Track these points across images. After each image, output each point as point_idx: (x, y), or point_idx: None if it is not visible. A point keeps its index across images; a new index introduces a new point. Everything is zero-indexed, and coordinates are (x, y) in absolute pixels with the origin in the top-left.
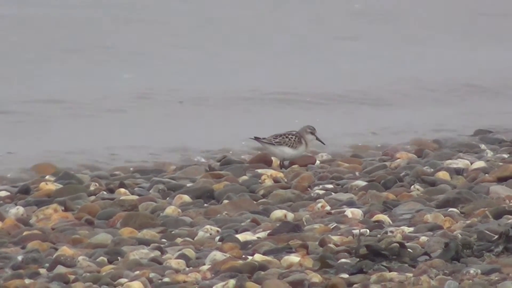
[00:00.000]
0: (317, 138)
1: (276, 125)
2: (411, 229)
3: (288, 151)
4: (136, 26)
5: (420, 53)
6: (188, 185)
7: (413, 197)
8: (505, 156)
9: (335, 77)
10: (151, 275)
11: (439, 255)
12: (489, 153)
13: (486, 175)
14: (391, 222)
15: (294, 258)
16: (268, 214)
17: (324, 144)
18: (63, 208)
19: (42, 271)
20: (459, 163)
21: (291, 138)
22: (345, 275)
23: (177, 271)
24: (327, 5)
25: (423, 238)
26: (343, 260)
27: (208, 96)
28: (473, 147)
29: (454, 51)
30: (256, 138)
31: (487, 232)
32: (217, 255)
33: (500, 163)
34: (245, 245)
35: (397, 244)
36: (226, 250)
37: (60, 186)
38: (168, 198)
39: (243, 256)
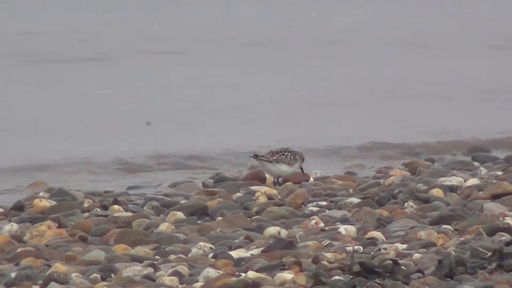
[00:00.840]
0: (301, 167)
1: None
2: (405, 246)
3: (284, 169)
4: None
5: None
6: (182, 202)
7: (406, 214)
8: (499, 173)
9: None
10: None
11: (433, 272)
12: (483, 171)
13: (480, 192)
14: (384, 239)
15: (287, 275)
16: (262, 231)
17: (303, 173)
18: (57, 225)
19: None
20: (453, 180)
21: (287, 155)
22: None
23: None
24: None
25: (416, 255)
26: (336, 277)
27: None
28: (467, 165)
29: None
30: (255, 156)
31: (481, 249)
32: (211, 272)
33: (494, 181)
34: (238, 262)
35: (391, 261)
36: (220, 267)
37: (54, 203)
38: (162, 215)
39: (237, 273)
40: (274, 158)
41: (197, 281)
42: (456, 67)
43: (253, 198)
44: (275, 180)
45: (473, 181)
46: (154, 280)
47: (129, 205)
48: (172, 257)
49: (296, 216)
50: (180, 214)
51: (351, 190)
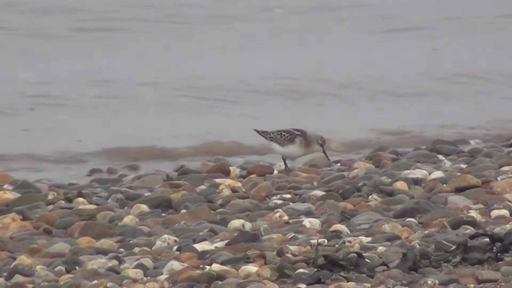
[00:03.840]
0: (323, 152)
1: None
2: (369, 239)
3: (275, 148)
4: None
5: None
6: (146, 194)
7: (371, 207)
8: (463, 166)
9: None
10: (109, 284)
11: (397, 266)
12: (447, 163)
13: (444, 185)
14: (349, 232)
15: (251, 268)
16: (226, 224)
17: (328, 159)
18: (21, 217)
19: (0, 280)
20: (417, 173)
21: (284, 135)
22: (303, 285)
23: (134, 280)
24: None
25: (380, 248)
26: (301, 270)
27: None
28: (431, 157)
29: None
30: (256, 131)
31: (445, 242)
32: (175, 265)
33: (458, 173)
34: (202, 255)
35: (355, 254)
36: (184, 259)
37: (18, 195)
38: (126, 208)
39: (201, 266)
40: (270, 135)
41: (162, 274)
42: None
43: (217, 190)
44: (284, 161)
45: (437, 174)
46: (118, 273)
47: (94, 198)
48: (137, 249)
49: (260, 209)
50: (144, 207)
51: (315, 183)
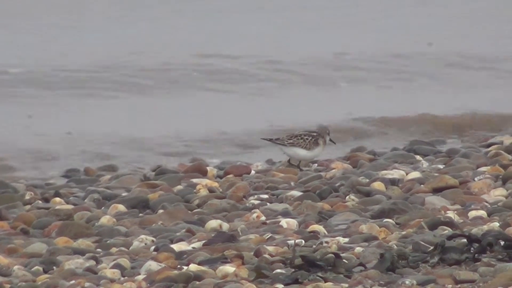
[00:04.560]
0: (330, 139)
1: None
2: (347, 239)
3: (302, 153)
4: None
5: None
6: (123, 194)
7: (348, 208)
8: (441, 166)
9: None
10: (86, 284)
11: (375, 266)
12: (425, 164)
13: (422, 185)
14: (326, 233)
15: (229, 268)
16: (203, 224)
17: (335, 143)
18: None
19: None
20: (395, 173)
21: (307, 139)
22: (280, 286)
23: (112, 280)
24: None
25: (358, 249)
26: (278, 270)
27: None
28: (408, 158)
29: None
30: (269, 139)
31: (423, 243)
32: (152, 265)
33: (436, 174)
34: (180, 255)
35: (333, 255)
36: (161, 260)
37: None
38: (103, 208)
39: (178, 266)
40: (290, 141)
41: (139, 274)
42: None
43: (194, 191)
44: (298, 164)
45: (415, 174)
46: (96, 273)
47: (71, 198)
48: (114, 250)
49: (238, 209)
50: (121, 207)
51: (292, 183)
